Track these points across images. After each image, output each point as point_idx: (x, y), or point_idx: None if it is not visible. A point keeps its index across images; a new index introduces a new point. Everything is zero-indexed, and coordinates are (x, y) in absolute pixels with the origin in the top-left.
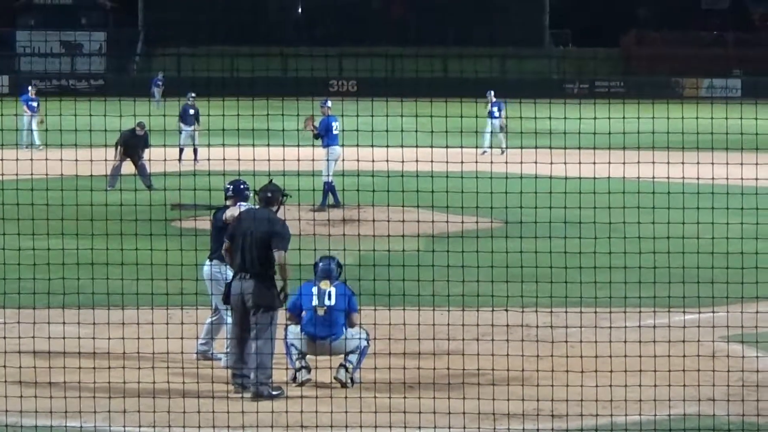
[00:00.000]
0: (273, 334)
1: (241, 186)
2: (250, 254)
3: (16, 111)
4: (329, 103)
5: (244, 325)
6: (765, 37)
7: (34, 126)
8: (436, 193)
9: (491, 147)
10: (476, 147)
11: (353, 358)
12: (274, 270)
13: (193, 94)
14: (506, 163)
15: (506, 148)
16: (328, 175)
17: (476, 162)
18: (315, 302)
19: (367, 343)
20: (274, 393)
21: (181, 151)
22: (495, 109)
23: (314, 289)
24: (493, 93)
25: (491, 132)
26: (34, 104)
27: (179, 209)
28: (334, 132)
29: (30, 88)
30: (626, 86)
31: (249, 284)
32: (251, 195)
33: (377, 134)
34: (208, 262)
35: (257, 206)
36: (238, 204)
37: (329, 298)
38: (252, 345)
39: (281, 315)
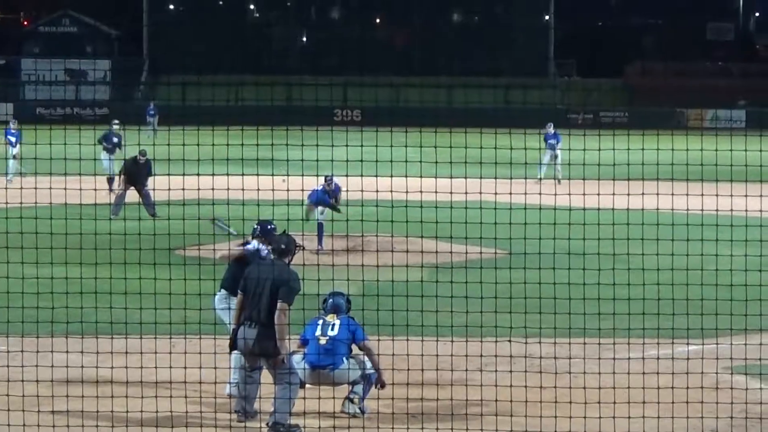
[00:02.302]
0: (291, 379)
1: (269, 227)
2: (259, 304)
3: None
4: (335, 180)
5: (252, 364)
6: None
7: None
8: (440, 223)
9: (557, 179)
10: (480, 177)
11: (358, 389)
12: None
13: (116, 121)
14: (510, 193)
15: (561, 178)
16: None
17: (480, 192)
18: (318, 332)
19: (375, 371)
20: (292, 429)
21: (110, 180)
22: (554, 141)
23: (320, 321)
24: (552, 125)
25: (552, 164)
26: (12, 139)
27: (213, 224)
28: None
29: (11, 123)
30: (630, 117)
31: (253, 332)
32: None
33: (381, 164)
34: (219, 291)
35: (272, 257)
36: (245, 246)
37: (332, 329)
38: (257, 377)
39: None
